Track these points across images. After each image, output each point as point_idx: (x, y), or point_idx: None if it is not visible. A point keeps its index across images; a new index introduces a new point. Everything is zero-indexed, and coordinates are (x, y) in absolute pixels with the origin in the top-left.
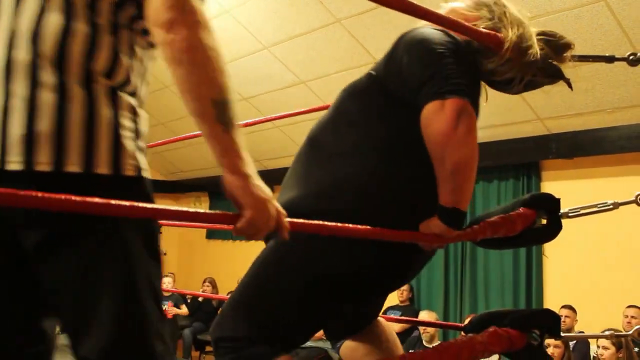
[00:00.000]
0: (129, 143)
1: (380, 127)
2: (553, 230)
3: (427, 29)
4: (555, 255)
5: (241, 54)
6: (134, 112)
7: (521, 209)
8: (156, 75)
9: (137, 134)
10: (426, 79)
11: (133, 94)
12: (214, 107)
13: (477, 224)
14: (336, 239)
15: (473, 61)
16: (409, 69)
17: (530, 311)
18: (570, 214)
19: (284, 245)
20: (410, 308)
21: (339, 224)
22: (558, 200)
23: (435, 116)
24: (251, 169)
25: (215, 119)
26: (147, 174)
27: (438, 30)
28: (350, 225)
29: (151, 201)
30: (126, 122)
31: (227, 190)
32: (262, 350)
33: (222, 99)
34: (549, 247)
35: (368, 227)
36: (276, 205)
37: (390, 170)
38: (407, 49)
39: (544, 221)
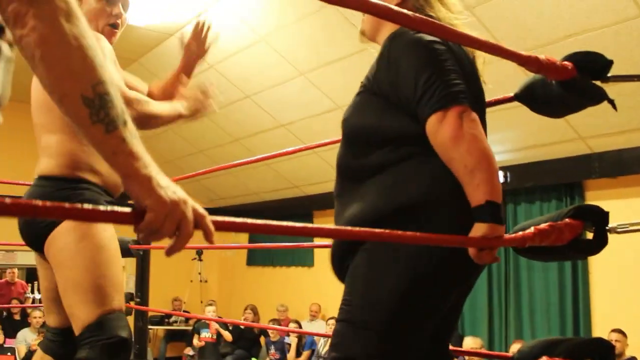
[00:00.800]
0: None
1: (396, 145)
2: (599, 244)
3: (415, 33)
4: (603, 276)
5: (278, 81)
6: None
7: (568, 220)
8: None
9: None
10: (424, 90)
11: None
12: (86, 106)
13: (523, 230)
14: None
15: (465, 55)
16: (405, 78)
17: (582, 340)
18: (619, 230)
19: (377, 254)
20: (454, 333)
21: (385, 230)
22: (607, 214)
23: (440, 126)
24: (153, 168)
25: (91, 119)
26: None
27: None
28: (400, 232)
29: None
30: None
31: (130, 195)
32: None
33: (96, 94)
34: (596, 268)
35: (417, 233)
36: (195, 206)
37: (425, 176)
38: (399, 56)
39: (589, 235)
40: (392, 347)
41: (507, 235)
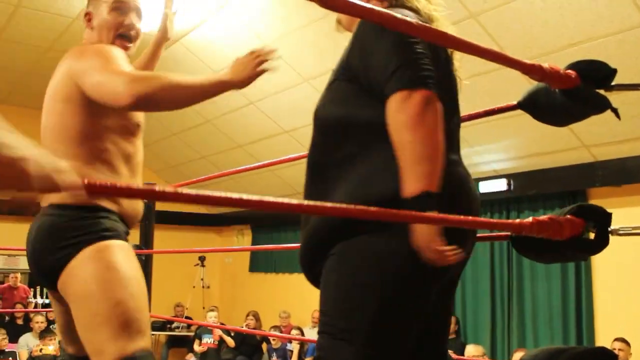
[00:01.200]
0: None
1: (371, 133)
2: (600, 244)
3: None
4: (606, 284)
5: (282, 88)
6: None
7: (569, 216)
8: (197, 110)
9: None
10: (394, 70)
11: None
12: None
13: None
14: (389, 232)
15: (442, 48)
16: (377, 60)
17: (585, 349)
18: (620, 232)
19: (346, 258)
20: (456, 341)
21: (387, 209)
22: (609, 214)
23: (403, 104)
24: None
25: None
26: None
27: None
28: (407, 212)
29: None
30: None
31: None
32: None
33: None
34: (599, 277)
35: (434, 214)
36: (48, 161)
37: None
38: (371, 39)
39: (592, 236)
40: (378, 354)
41: (505, 221)
